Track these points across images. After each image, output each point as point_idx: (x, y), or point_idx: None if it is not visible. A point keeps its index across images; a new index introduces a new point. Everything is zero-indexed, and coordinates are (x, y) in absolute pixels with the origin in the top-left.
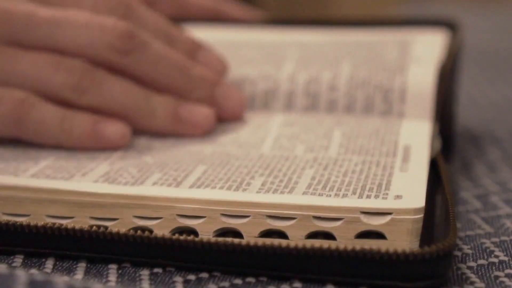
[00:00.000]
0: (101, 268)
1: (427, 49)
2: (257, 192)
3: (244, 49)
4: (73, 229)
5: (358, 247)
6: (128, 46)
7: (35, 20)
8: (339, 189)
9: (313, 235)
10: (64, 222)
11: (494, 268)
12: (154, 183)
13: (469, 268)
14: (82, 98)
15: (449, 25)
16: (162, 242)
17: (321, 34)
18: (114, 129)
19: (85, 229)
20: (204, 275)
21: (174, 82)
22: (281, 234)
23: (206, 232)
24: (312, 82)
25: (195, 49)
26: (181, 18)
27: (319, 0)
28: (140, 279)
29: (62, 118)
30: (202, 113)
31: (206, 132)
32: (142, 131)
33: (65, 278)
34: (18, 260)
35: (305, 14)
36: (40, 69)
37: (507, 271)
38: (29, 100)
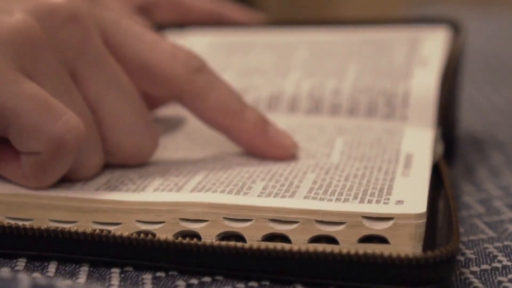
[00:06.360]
0: (104, 272)
1: (433, 48)
2: (258, 196)
3: (252, 52)
4: (76, 232)
5: (361, 251)
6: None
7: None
8: (340, 194)
9: (316, 239)
10: (67, 226)
11: (497, 273)
12: (156, 189)
13: (472, 273)
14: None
15: (452, 24)
16: (165, 246)
17: (331, 33)
18: None
19: (88, 232)
20: (207, 279)
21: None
22: (284, 238)
23: (209, 236)
24: (316, 88)
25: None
26: (182, 23)
27: (320, 3)
28: (143, 283)
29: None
30: (286, 136)
31: (289, 157)
32: (231, 138)
33: (68, 282)
34: (21, 263)
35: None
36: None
37: (511, 276)
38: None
